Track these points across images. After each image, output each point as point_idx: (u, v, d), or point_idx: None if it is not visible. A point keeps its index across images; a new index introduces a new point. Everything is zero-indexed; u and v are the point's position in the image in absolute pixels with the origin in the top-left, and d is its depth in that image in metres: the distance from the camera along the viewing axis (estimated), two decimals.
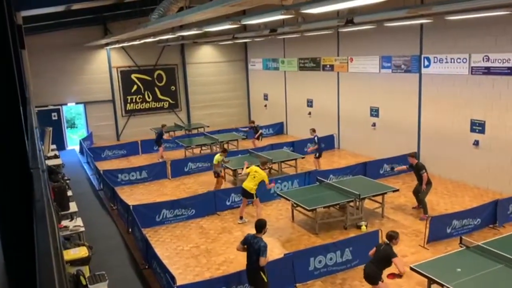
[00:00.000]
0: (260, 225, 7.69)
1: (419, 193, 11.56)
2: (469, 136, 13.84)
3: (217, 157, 13.67)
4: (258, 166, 11.82)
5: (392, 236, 7.35)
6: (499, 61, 12.62)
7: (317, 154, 15.47)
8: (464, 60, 13.63)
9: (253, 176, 11.32)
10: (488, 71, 13.00)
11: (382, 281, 7.32)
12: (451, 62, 14.05)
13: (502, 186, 12.99)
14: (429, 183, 11.36)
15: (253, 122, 20.27)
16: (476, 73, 13.37)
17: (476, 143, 13.63)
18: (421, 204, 11.54)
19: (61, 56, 22.28)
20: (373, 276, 7.35)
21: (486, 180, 13.52)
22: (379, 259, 7.28)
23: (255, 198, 11.35)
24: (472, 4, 8.81)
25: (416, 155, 11.75)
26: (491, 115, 13.15)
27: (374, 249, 7.57)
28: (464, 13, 10.96)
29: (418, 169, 11.41)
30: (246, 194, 11.42)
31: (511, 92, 12.51)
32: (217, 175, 13.74)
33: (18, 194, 1.62)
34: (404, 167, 12.18)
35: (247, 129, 20.34)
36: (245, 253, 7.63)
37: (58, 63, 22.30)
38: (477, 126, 13.57)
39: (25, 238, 1.59)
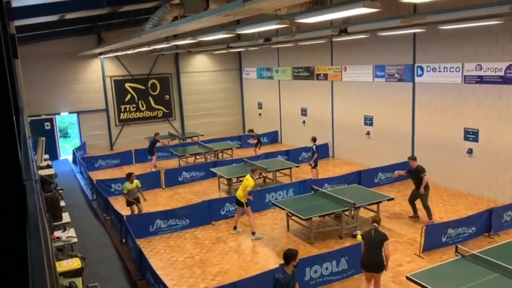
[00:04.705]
0: (288, 256, 6.41)
1: (420, 199, 11.58)
2: (463, 144, 13.90)
3: (127, 185, 12.24)
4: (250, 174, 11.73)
5: (380, 219, 8.07)
6: (492, 70, 12.72)
7: (313, 164, 15.38)
8: (457, 69, 13.73)
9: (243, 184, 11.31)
10: (481, 80, 13.10)
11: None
12: (444, 71, 14.16)
13: (496, 194, 13.04)
14: (427, 186, 11.45)
15: (252, 131, 19.85)
16: (469, 82, 13.47)
17: (470, 151, 13.68)
18: (425, 209, 11.61)
19: (54, 66, 22.21)
20: (381, 263, 7.58)
21: (480, 188, 13.56)
22: (379, 244, 7.53)
23: (245, 206, 11.22)
24: (465, 14, 8.90)
25: (416, 158, 11.83)
26: (484, 123, 13.23)
27: (364, 241, 7.86)
28: (457, 23, 11.07)
29: (418, 172, 11.49)
30: (238, 203, 11.40)
31: (503, 100, 12.60)
32: (128, 203, 12.34)
33: (10, 207, 1.58)
34: (402, 172, 12.10)
35: (251, 139, 19.23)
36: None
37: (51, 73, 22.21)
38: (471, 135, 13.64)
39: (18, 252, 1.55)
